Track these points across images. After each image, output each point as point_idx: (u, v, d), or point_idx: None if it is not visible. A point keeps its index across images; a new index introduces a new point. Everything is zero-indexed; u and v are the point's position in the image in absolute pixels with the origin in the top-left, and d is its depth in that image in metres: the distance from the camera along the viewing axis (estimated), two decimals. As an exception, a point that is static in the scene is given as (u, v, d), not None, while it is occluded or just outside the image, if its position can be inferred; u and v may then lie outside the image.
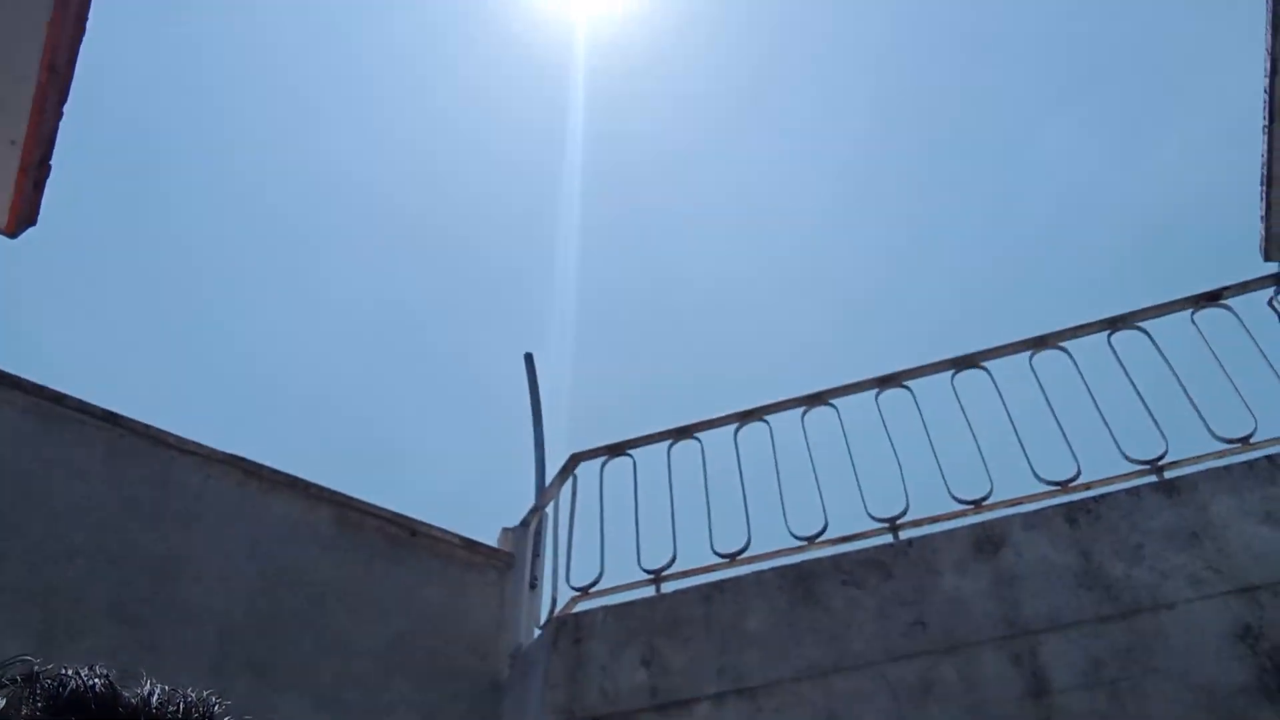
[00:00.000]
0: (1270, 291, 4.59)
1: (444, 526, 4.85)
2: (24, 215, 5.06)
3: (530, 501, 5.22)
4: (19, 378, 4.11)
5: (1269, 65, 4.23)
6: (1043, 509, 3.97)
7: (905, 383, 4.75)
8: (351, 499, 4.70)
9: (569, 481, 4.88)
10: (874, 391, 4.75)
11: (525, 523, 5.14)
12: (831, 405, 4.77)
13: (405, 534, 4.78)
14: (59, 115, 4.88)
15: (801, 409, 4.79)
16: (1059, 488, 4.07)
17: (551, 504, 4.99)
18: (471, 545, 4.94)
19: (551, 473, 5.14)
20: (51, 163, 4.99)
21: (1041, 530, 3.85)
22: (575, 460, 4.96)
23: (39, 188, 5.01)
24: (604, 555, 4.52)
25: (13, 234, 5.12)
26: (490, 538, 5.09)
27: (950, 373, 4.70)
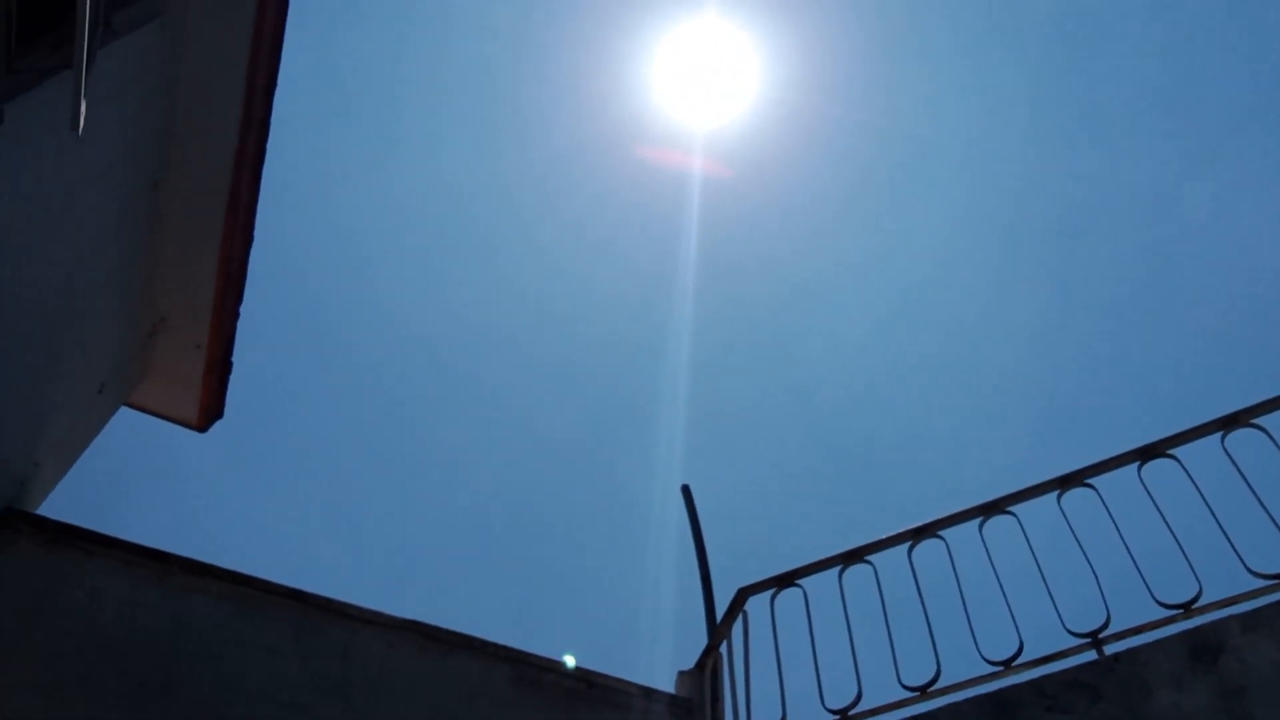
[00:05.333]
0: None
1: (620, 675, 4.78)
2: (212, 410, 5.50)
3: (703, 640, 5.10)
4: (210, 565, 4.38)
5: None
6: (1263, 607, 3.58)
7: (1087, 480, 4.44)
8: (527, 655, 4.72)
9: (740, 618, 4.75)
10: (1055, 494, 4.46)
11: (701, 665, 5.01)
12: (1010, 513, 4.50)
13: (583, 686, 4.73)
14: (236, 316, 5.34)
15: (978, 519, 4.53)
16: (1182, 611, 3.68)
17: (725, 643, 4.86)
18: (649, 693, 4.84)
19: (720, 608, 5.02)
20: (233, 359, 5.44)
21: (1264, 631, 3.46)
22: (743, 595, 4.83)
23: (223, 383, 5.45)
24: (784, 695, 4.34)
25: (203, 429, 5.57)
26: (667, 682, 4.98)
27: (1136, 464, 4.37)
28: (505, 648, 4.74)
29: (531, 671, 4.68)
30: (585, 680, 4.76)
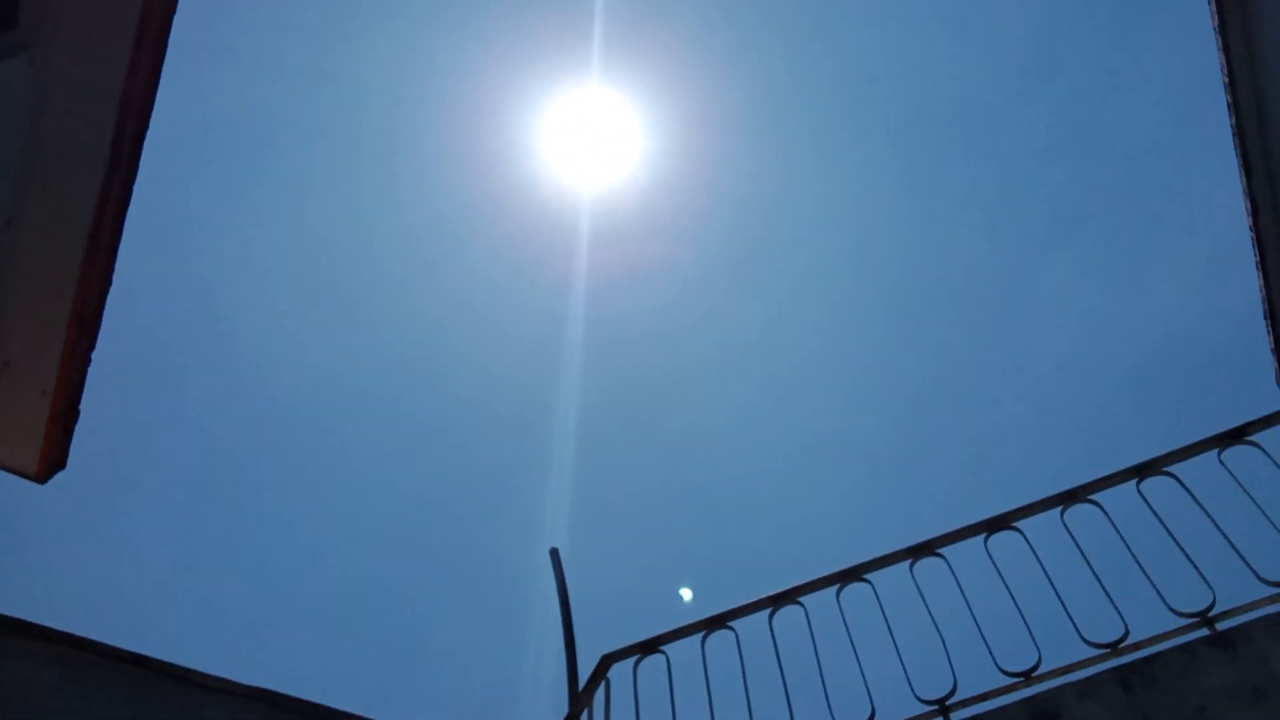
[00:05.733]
0: (1295, 423, 4.51)
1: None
2: (53, 460, 5.19)
3: (563, 708, 5.03)
4: (39, 624, 4.11)
5: (1249, 205, 4.32)
6: (1095, 675, 3.78)
7: (939, 550, 4.63)
8: (381, 723, 4.56)
9: (603, 685, 4.72)
10: (908, 562, 4.63)
11: (561, 732, 4.94)
12: (866, 580, 4.65)
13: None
14: (87, 363, 5.08)
15: (835, 587, 4.66)
16: (1109, 650, 3.89)
17: (586, 711, 4.81)
18: (508, 762, 4.74)
19: (585, 675, 4.97)
20: (79, 408, 5.16)
21: (1096, 699, 3.65)
22: (607, 662, 4.81)
23: (68, 433, 5.16)
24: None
25: (43, 480, 5.24)
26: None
27: (983, 536, 4.59)
28: (360, 718, 4.57)
29: (385, 740, 4.52)
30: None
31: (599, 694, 4.70)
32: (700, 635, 4.69)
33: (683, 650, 4.64)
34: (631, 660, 4.72)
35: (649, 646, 4.79)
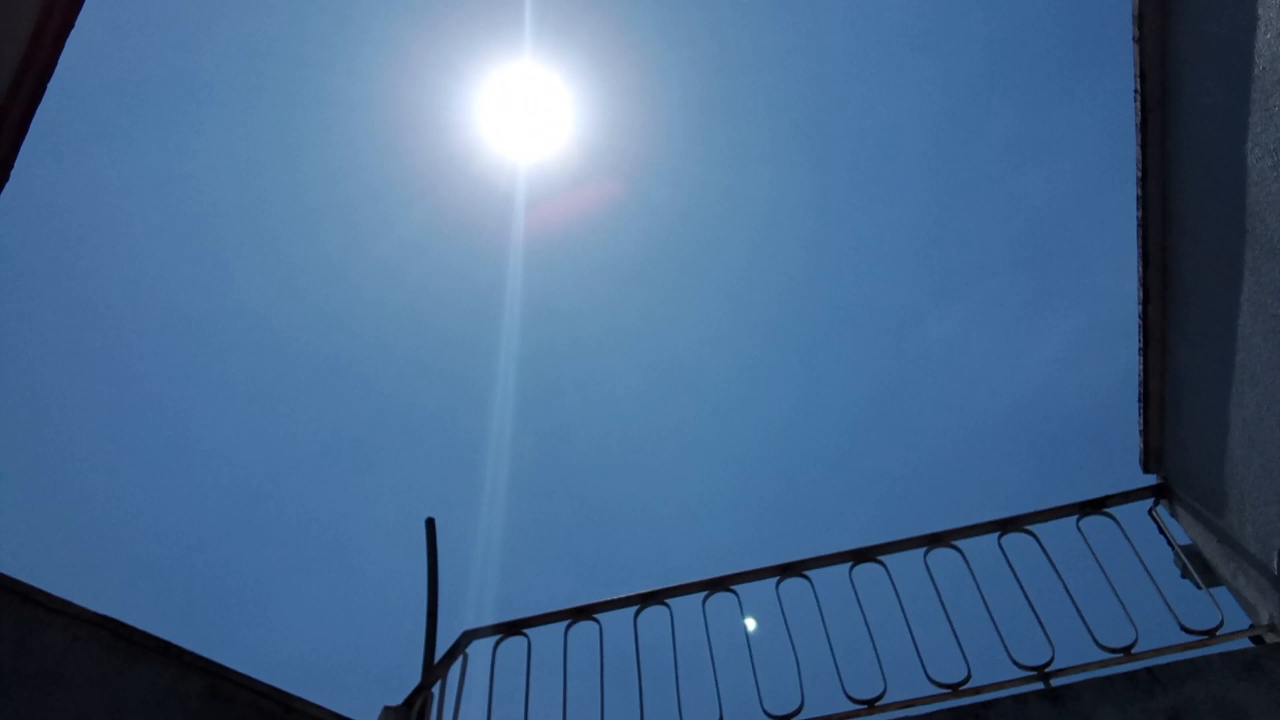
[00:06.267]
0: (1149, 502, 4.82)
1: (321, 703, 4.59)
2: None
3: (416, 677, 5.00)
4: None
5: (1142, 293, 4.58)
6: (934, 712, 3.96)
7: (805, 572, 4.78)
8: (225, 669, 4.44)
9: (460, 660, 4.71)
10: (776, 579, 4.76)
11: (409, 702, 4.89)
12: (732, 591, 4.76)
13: (280, 709, 4.50)
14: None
15: (704, 593, 4.76)
16: (950, 691, 4.08)
17: (439, 683, 4.78)
18: (350, 724, 4.67)
19: (442, 649, 4.95)
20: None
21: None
22: (468, 638, 4.80)
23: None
24: (492, 739, 4.33)
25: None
26: (370, 716, 4.83)
27: (849, 564, 4.76)
28: (203, 659, 4.44)
29: (228, 687, 4.41)
30: (283, 703, 4.53)
31: (455, 668, 4.69)
32: (565, 624, 4.73)
33: (549, 636, 4.67)
34: (493, 639, 4.72)
35: (512, 628, 4.80)
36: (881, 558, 4.74)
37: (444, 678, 4.74)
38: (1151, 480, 4.92)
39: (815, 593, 4.68)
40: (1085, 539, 4.56)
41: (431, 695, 4.84)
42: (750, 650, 4.45)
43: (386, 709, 4.94)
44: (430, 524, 5.95)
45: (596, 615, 4.77)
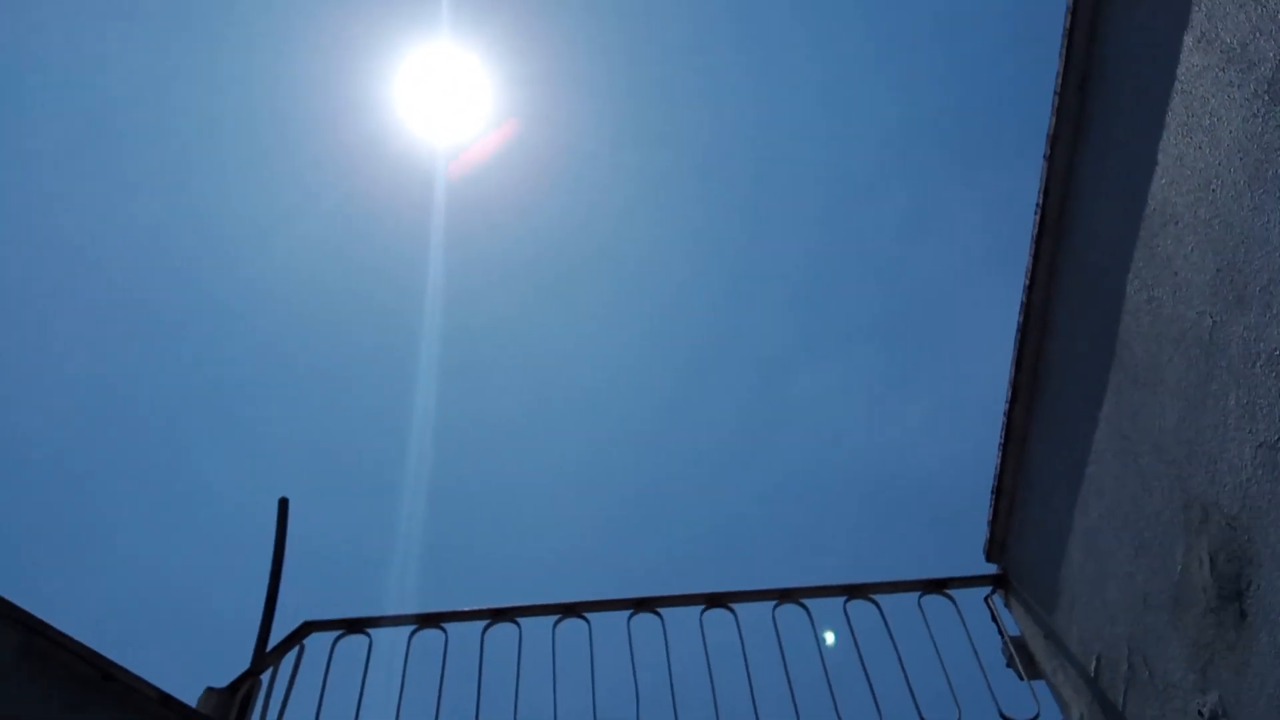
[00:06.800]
0: (988, 590, 5.10)
1: (143, 676, 4.39)
2: None
3: (245, 663, 4.83)
4: None
5: (1010, 392, 4.85)
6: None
7: (658, 609, 4.85)
8: (46, 626, 4.20)
9: (296, 650, 4.58)
10: (628, 613, 4.82)
11: (234, 687, 4.72)
12: (584, 619, 4.79)
13: (97, 676, 4.28)
14: None
15: (556, 617, 4.77)
16: None
17: (270, 671, 4.64)
18: (167, 701, 4.47)
19: (278, 637, 4.80)
20: None
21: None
22: (308, 628, 4.68)
23: None
24: (316, 738, 4.22)
25: None
26: (193, 696, 4.64)
27: (701, 608, 4.86)
28: (23, 611, 4.19)
29: (45, 645, 4.17)
30: (102, 670, 4.31)
31: (289, 658, 4.56)
32: (411, 629, 4.66)
33: (393, 639, 4.59)
34: (334, 634, 4.62)
35: (355, 625, 4.70)
36: (732, 605, 4.86)
37: (277, 665, 4.60)
38: (992, 569, 5.20)
39: (665, 631, 4.76)
40: (924, 616, 4.78)
41: (260, 682, 4.69)
42: (593, 682, 4.47)
43: (209, 690, 4.74)
44: (283, 504, 5.77)
45: (444, 624, 4.73)
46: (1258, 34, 2.93)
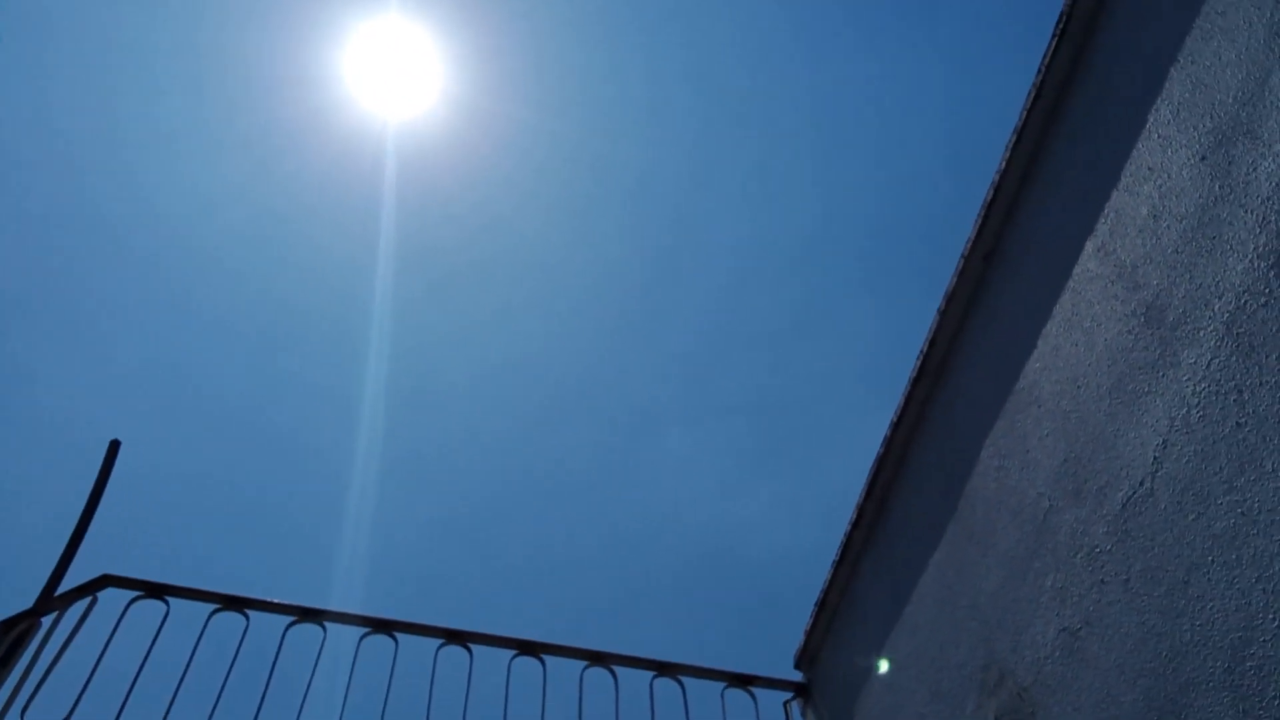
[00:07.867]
0: (789, 695, 5.25)
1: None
2: None
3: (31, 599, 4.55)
4: None
5: (855, 517, 5.06)
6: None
7: (468, 644, 4.82)
8: None
9: (87, 601, 4.35)
10: (439, 642, 4.77)
11: (10, 623, 4.44)
12: (393, 637, 4.72)
13: None
14: None
15: (366, 630, 4.68)
16: None
17: (55, 616, 4.38)
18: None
19: (72, 582, 4.55)
20: None
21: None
22: (105, 581, 4.45)
23: None
24: (81, 700, 4.00)
25: None
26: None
27: (513, 653, 4.86)
28: None
29: None
30: None
31: (78, 608, 4.32)
32: (213, 607, 4.50)
33: (193, 613, 4.41)
34: (132, 594, 4.41)
35: (156, 589, 4.50)
36: (543, 655, 4.87)
37: (61, 613, 4.35)
38: (798, 677, 5.36)
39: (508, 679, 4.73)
40: (724, 708, 4.90)
41: (39, 625, 4.42)
42: (386, 703, 4.40)
43: (-20, 621, 4.45)
44: (113, 446, 5.51)
45: (248, 610, 4.58)
46: (1147, 261, 3.20)
